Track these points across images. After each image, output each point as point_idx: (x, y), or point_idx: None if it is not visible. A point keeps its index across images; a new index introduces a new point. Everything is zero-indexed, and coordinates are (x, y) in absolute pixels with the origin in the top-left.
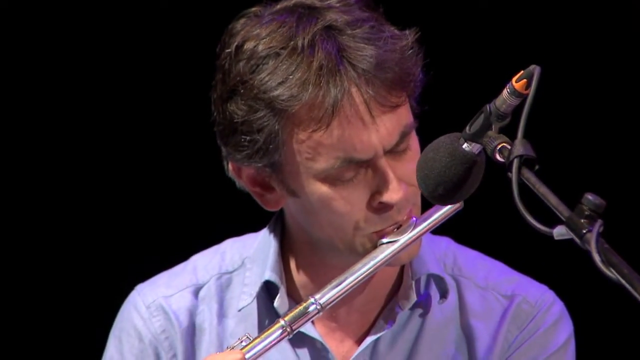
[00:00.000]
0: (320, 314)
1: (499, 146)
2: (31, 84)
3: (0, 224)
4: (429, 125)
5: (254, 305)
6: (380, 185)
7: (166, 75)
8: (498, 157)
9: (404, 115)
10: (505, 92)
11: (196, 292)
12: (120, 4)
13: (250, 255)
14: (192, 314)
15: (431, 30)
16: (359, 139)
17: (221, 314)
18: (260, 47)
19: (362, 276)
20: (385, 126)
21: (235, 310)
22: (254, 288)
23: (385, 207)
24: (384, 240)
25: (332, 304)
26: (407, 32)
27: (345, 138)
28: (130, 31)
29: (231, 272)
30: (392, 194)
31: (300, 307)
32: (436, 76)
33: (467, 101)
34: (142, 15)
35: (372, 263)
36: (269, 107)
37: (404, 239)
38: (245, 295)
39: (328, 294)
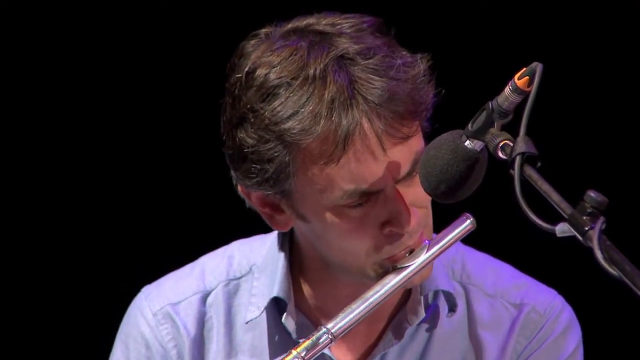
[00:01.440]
0: (333, 343)
1: (501, 143)
2: (31, 84)
3: (4, 223)
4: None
5: (263, 317)
6: (391, 214)
7: (173, 75)
8: (500, 154)
9: (415, 144)
10: (507, 89)
11: (204, 299)
12: (120, 4)
13: (258, 264)
14: (199, 322)
15: (432, 27)
16: (370, 172)
17: (229, 323)
18: (272, 76)
19: (374, 303)
20: (397, 157)
21: (243, 321)
22: (262, 301)
23: (396, 235)
24: (397, 265)
25: (344, 333)
26: (418, 57)
27: (357, 171)
28: (131, 31)
29: (239, 279)
30: (404, 223)
31: (313, 338)
32: (439, 74)
33: (470, 98)
34: (142, 15)
35: (384, 290)
36: (279, 139)
37: (417, 263)
38: (253, 307)
39: (340, 323)
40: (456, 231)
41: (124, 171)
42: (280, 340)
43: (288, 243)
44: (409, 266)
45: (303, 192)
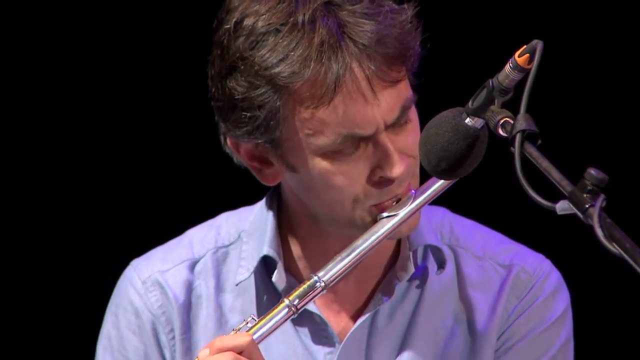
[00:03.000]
0: (324, 291)
1: (502, 121)
2: (31, 84)
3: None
4: (431, 100)
5: (252, 279)
6: (381, 160)
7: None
8: (501, 131)
9: (404, 90)
10: (507, 66)
11: (192, 267)
12: (121, 4)
13: (246, 229)
14: (188, 289)
15: (432, 4)
16: (360, 115)
17: (218, 288)
18: (260, 24)
19: (364, 252)
20: (387, 101)
21: (233, 285)
22: (252, 262)
23: (385, 181)
24: (384, 214)
25: (335, 281)
26: (405, 6)
27: (348, 114)
28: (130, 31)
29: (227, 246)
30: (394, 169)
31: (304, 286)
32: (438, 51)
33: (470, 76)
34: (142, 15)
35: (373, 238)
36: (269, 83)
37: (403, 212)
38: (242, 270)
39: (331, 271)
40: (442, 180)
41: (110, 152)
42: (270, 302)
43: (276, 204)
44: (396, 215)
45: (294, 139)
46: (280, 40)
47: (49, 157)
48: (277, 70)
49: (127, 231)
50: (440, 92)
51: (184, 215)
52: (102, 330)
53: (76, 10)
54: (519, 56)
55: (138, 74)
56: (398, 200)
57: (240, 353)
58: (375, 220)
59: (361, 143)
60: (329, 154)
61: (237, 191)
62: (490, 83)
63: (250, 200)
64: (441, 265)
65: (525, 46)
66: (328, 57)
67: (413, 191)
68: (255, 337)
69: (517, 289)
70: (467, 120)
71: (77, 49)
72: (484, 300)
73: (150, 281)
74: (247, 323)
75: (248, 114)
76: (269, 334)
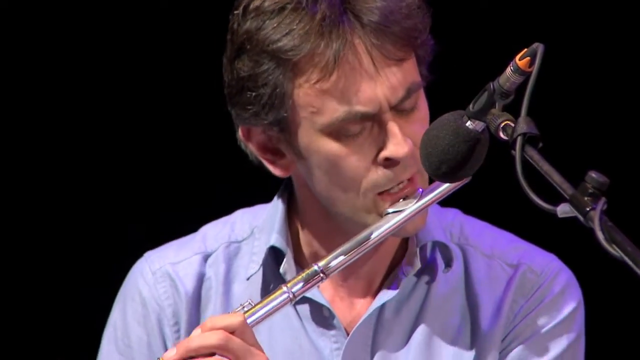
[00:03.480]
0: (324, 281)
1: (503, 124)
2: (31, 84)
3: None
4: (432, 104)
5: (260, 273)
6: (385, 140)
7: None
8: (502, 135)
9: (410, 72)
10: (508, 69)
11: (204, 259)
12: (121, 4)
13: (259, 225)
14: (199, 281)
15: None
16: (362, 90)
17: (228, 282)
18: (267, 4)
19: (367, 245)
20: (390, 79)
21: (243, 278)
22: (261, 256)
23: (391, 163)
24: (390, 210)
25: (335, 272)
26: None
27: (349, 89)
28: (130, 31)
29: (240, 242)
30: (398, 148)
31: (304, 274)
32: (439, 53)
33: (471, 79)
34: (142, 15)
35: (377, 232)
36: (273, 59)
37: (409, 209)
38: (253, 264)
39: (332, 262)
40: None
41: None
42: None
43: (287, 196)
44: (402, 211)
45: (299, 118)
46: (284, 19)
47: (66, 156)
48: (279, 45)
49: (144, 230)
50: (441, 95)
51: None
52: (109, 318)
53: (76, 11)
54: (519, 59)
55: (150, 69)
56: (405, 198)
57: (232, 333)
58: (381, 216)
59: (366, 123)
60: (335, 134)
61: (253, 190)
62: (491, 86)
63: (265, 198)
64: (448, 263)
65: (526, 49)
66: (329, 31)
67: (420, 190)
68: (249, 320)
69: (523, 289)
70: (468, 123)
71: (78, 49)
72: (490, 300)
73: (160, 272)
74: (244, 307)
75: (254, 93)
76: (265, 318)
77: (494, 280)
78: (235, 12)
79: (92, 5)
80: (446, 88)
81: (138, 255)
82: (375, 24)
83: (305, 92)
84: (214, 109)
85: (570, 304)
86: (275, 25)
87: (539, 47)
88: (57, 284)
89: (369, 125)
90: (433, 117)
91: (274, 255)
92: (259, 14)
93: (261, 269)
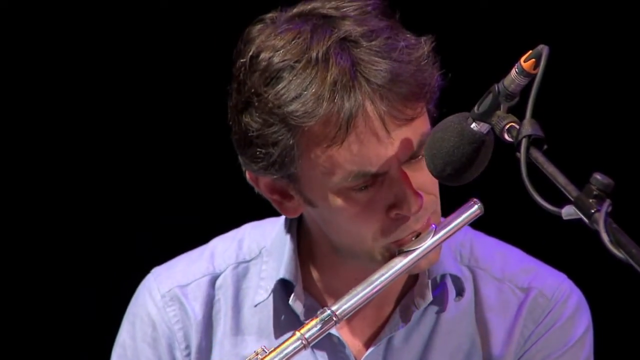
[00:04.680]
0: (337, 324)
1: (508, 126)
2: (31, 84)
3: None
4: (437, 106)
5: (270, 299)
6: (397, 197)
7: (172, 69)
8: (506, 137)
9: (421, 126)
10: (513, 71)
11: (213, 282)
12: (121, 4)
13: (267, 247)
14: (208, 305)
15: (438, 9)
16: (374, 154)
17: (236, 305)
18: (275, 60)
19: (380, 286)
20: (401, 139)
21: (251, 303)
22: (270, 283)
23: (402, 218)
24: (403, 248)
25: (348, 316)
26: (422, 39)
27: (360, 153)
28: (131, 31)
29: (248, 262)
30: (410, 207)
31: (317, 319)
32: (445, 57)
33: (476, 81)
34: (142, 15)
35: (390, 273)
36: (283, 122)
37: (423, 247)
38: (261, 290)
39: (345, 305)
40: (463, 216)
41: (134, 161)
42: (288, 322)
43: (296, 227)
44: (415, 250)
45: (309, 175)
46: (294, 78)
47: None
48: (290, 108)
49: (152, 235)
50: (446, 97)
51: (207, 219)
52: (117, 337)
53: (76, 11)
54: (524, 61)
55: (154, 77)
56: (418, 235)
57: None
58: (393, 255)
59: (377, 180)
60: (345, 191)
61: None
62: (496, 88)
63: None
64: (460, 292)
65: (531, 51)
66: (341, 96)
67: (433, 226)
68: None
69: (534, 313)
70: (473, 125)
71: (79, 50)
72: (501, 324)
73: (169, 295)
74: (258, 355)
75: (263, 150)
76: None
77: (504, 305)
78: (242, 60)
79: (92, 5)
80: (451, 90)
81: (142, 258)
82: (386, 87)
83: (315, 155)
84: (220, 112)
85: (581, 328)
86: (284, 85)
87: (544, 49)
88: (57, 285)
89: (379, 182)
90: (438, 119)
91: (284, 285)
92: (267, 69)
93: (271, 297)
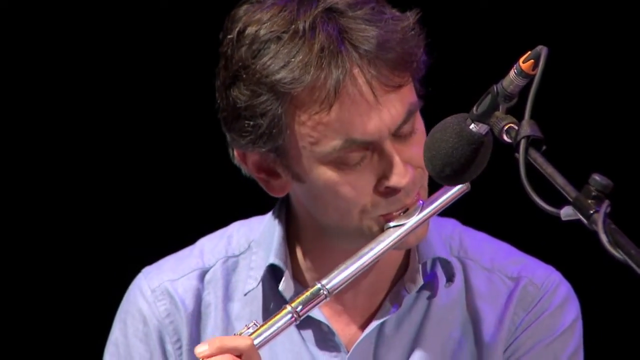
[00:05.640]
0: (328, 299)
1: (506, 127)
2: (31, 84)
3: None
4: (435, 107)
5: (259, 288)
6: (386, 169)
7: (167, 70)
8: (505, 137)
9: (408, 96)
10: (512, 72)
11: (202, 276)
12: (121, 4)
13: (256, 239)
14: (198, 298)
15: (435, 10)
16: (362, 120)
17: (227, 298)
18: (262, 32)
19: (369, 260)
20: (389, 107)
21: (241, 294)
22: (259, 272)
23: (392, 191)
24: (391, 224)
25: (339, 289)
26: (408, 13)
27: (349, 119)
28: (130, 31)
29: (237, 256)
30: (399, 178)
31: (307, 293)
32: (442, 56)
33: (475, 82)
34: (142, 15)
35: (379, 247)
36: (271, 90)
37: (411, 222)
38: (251, 280)
39: (335, 279)
40: (451, 192)
41: (122, 160)
42: (277, 309)
43: (285, 214)
44: (403, 225)
45: (297, 147)
46: (281, 48)
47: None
48: (278, 77)
49: (140, 238)
50: (445, 98)
51: (196, 222)
52: (110, 336)
53: (76, 11)
54: (523, 62)
55: (144, 79)
56: (406, 211)
57: (239, 356)
58: (382, 230)
59: (366, 152)
60: (334, 163)
61: (250, 199)
62: (495, 89)
63: (262, 208)
64: (450, 278)
65: (529, 52)
66: (328, 62)
67: (421, 201)
68: (256, 342)
69: (524, 302)
70: (472, 126)
71: (79, 50)
72: (491, 313)
73: (159, 290)
74: (249, 328)
75: (251, 122)
76: (271, 339)
77: (494, 294)
78: (229, 36)
79: (92, 5)
80: (450, 91)
81: (136, 260)
82: (374, 53)
83: (304, 123)
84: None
85: (570, 316)
86: (272, 55)
87: (542, 50)
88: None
89: (369, 154)
90: (437, 120)
91: (273, 273)
92: (254, 42)
93: (260, 285)
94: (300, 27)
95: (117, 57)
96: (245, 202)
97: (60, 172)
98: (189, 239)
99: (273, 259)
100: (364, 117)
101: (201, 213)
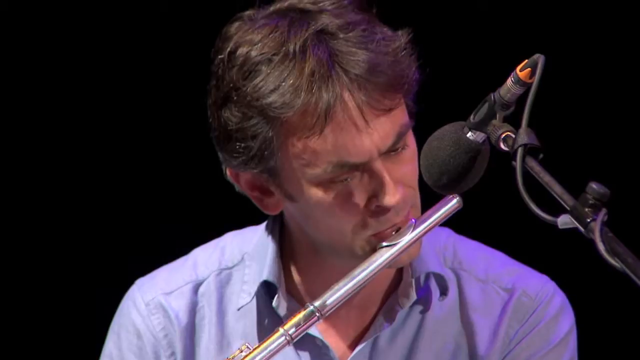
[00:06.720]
0: (320, 320)
1: (503, 135)
2: (31, 85)
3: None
4: (432, 115)
5: (253, 303)
6: (376, 188)
7: (166, 74)
8: (502, 146)
9: (399, 117)
10: (509, 81)
11: (196, 289)
12: (121, 4)
13: (249, 252)
14: (191, 312)
15: (430, 19)
16: (353, 143)
17: (220, 311)
18: (253, 53)
19: (362, 281)
20: (379, 130)
21: (235, 308)
22: (253, 287)
23: (382, 210)
24: (384, 243)
25: (332, 310)
26: (400, 32)
27: (340, 143)
28: (131, 32)
29: (231, 268)
30: (389, 198)
31: (300, 315)
32: (439, 65)
33: (471, 90)
34: (142, 16)
35: (371, 267)
36: (262, 114)
37: (403, 241)
38: (244, 294)
39: (328, 300)
40: (443, 210)
41: (117, 167)
42: (272, 326)
43: (278, 229)
44: (395, 244)
45: (288, 168)
46: (272, 71)
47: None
48: (268, 100)
49: (134, 247)
50: (442, 106)
51: (190, 231)
52: (103, 349)
53: (76, 11)
54: (520, 70)
55: (139, 83)
56: (398, 230)
57: None
58: (374, 250)
59: (356, 172)
60: (325, 183)
61: (244, 208)
62: (492, 97)
63: (256, 217)
64: (444, 292)
65: (526, 60)
66: (319, 86)
67: (413, 220)
68: None
69: (518, 314)
70: (469, 134)
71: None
72: (486, 325)
73: (153, 303)
74: (242, 352)
75: (242, 144)
76: None
77: (489, 306)
78: (219, 56)
79: (92, 5)
80: (447, 99)
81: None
82: (364, 77)
83: (294, 147)
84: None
85: (564, 328)
86: (263, 77)
87: (539, 58)
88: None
89: (359, 174)
90: (434, 128)
91: (267, 288)
92: (245, 63)
93: (254, 300)
94: (291, 50)
95: (118, 65)
96: (240, 210)
97: (56, 180)
98: (184, 246)
99: (267, 276)
100: (355, 140)
101: (196, 221)
